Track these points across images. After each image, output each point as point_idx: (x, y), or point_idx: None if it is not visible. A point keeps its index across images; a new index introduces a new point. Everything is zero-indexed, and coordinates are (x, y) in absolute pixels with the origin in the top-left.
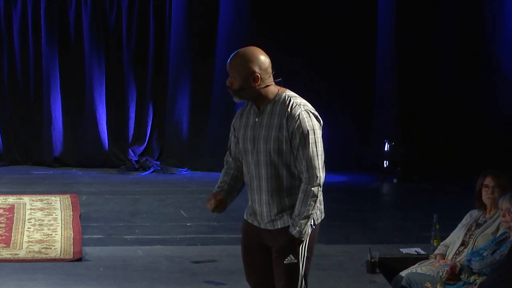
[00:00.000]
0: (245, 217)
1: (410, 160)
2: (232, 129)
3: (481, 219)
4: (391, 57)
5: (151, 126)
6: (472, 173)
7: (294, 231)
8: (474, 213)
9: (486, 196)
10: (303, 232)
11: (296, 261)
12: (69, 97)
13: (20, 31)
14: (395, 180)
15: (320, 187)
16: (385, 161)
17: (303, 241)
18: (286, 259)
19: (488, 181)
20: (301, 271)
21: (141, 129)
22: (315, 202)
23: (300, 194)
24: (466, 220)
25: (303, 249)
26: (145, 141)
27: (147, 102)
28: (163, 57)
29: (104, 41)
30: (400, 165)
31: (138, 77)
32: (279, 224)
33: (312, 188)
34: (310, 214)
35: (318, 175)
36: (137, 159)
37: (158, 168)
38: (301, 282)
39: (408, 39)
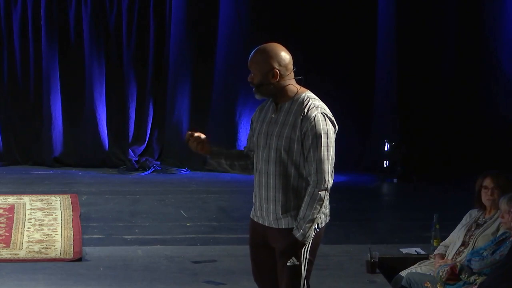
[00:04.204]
0: (251, 216)
1: (410, 160)
2: (251, 122)
3: (481, 219)
4: (391, 57)
5: (151, 126)
6: (472, 173)
7: (297, 234)
8: (474, 212)
9: (485, 197)
10: (307, 235)
11: (298, 263)
12: (69, 97)
13: (20, 31)
14: (395, 180)
15: (327, 191)
16: (385, 161)
17: (305, 244)
18: (289, 262)
19: (487, 182)
20: (303, 273)
21: (141, 129)
22: (320, 206)
23: (306, 197)
24: (466, 220)
25: (305, 252)
26: (145, 141)
27: (147, 102)
28: (163, 57)
29: (104, 41)
30: (400, 165)
31: (138, 77)
32: (283, 224)
33: (319, 192)
34: (315, 218)
35: (326, 179)
36: (137, 159)
37: (158, 168)
38: (303, 285)
39: (408, 39)
